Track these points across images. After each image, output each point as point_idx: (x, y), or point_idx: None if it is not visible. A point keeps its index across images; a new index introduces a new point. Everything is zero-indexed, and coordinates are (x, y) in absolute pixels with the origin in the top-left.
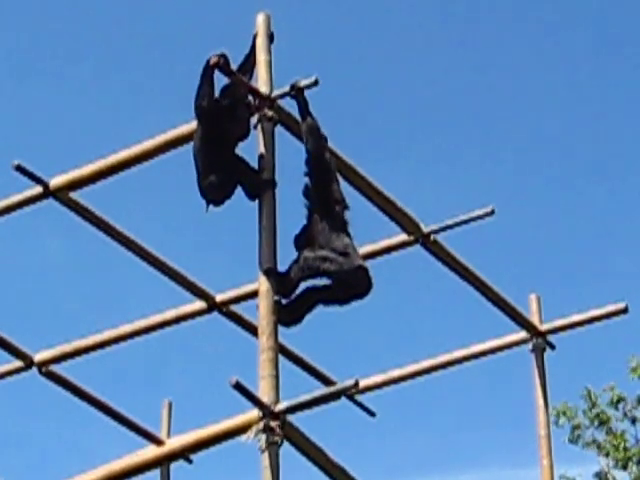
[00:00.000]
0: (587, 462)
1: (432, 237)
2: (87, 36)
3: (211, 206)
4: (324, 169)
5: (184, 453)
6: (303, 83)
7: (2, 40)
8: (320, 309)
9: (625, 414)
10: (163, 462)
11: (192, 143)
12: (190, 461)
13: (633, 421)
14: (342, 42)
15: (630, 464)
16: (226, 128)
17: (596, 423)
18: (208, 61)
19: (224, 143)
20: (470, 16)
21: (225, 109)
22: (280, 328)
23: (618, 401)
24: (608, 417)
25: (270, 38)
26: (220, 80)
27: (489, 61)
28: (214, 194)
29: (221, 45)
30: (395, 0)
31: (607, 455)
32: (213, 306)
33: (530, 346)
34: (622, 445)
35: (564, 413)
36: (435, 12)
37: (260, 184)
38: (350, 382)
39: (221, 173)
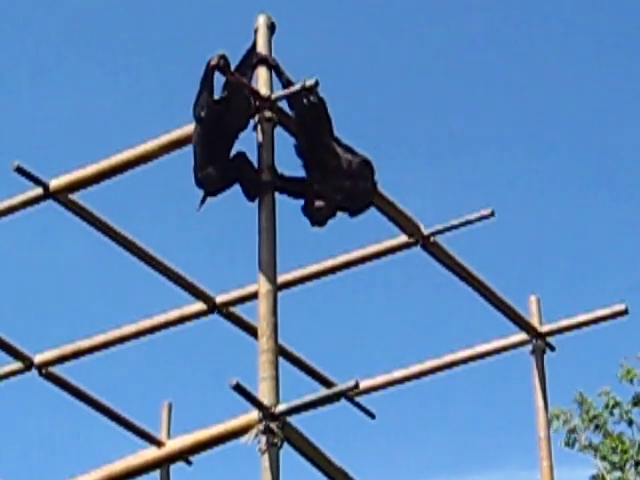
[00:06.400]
0: (583, 466)
1: (432, 239)
2: (87, 38)
3: (207, 198)
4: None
5: (184, 455)
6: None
7: (2, 42)
8: (318, 310)
9: (621, 416)
10: (163, 464)
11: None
12: (190, 463)
13: (629, 423)
14: (341, 45)
15: (627, 467)
16: (226, 123)
17: (592, 427)
18: (208, 63)
19: (225, 137)
20: (468, 18)
21: (223, 105)
22: (280, 330)
23: (614, 406)
24: (605, 420)
25: (270, 34)
26: (220, 81)
27: (489, 62)
28: (211, 185)
29: (222, 46)
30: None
31: (604, 458)
32: (213, 307)
33: (530, 348)
34: (619, 448)
35: (557, 417)
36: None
37: (259, 185)
38: (350, 384)
39: (220, 167)
